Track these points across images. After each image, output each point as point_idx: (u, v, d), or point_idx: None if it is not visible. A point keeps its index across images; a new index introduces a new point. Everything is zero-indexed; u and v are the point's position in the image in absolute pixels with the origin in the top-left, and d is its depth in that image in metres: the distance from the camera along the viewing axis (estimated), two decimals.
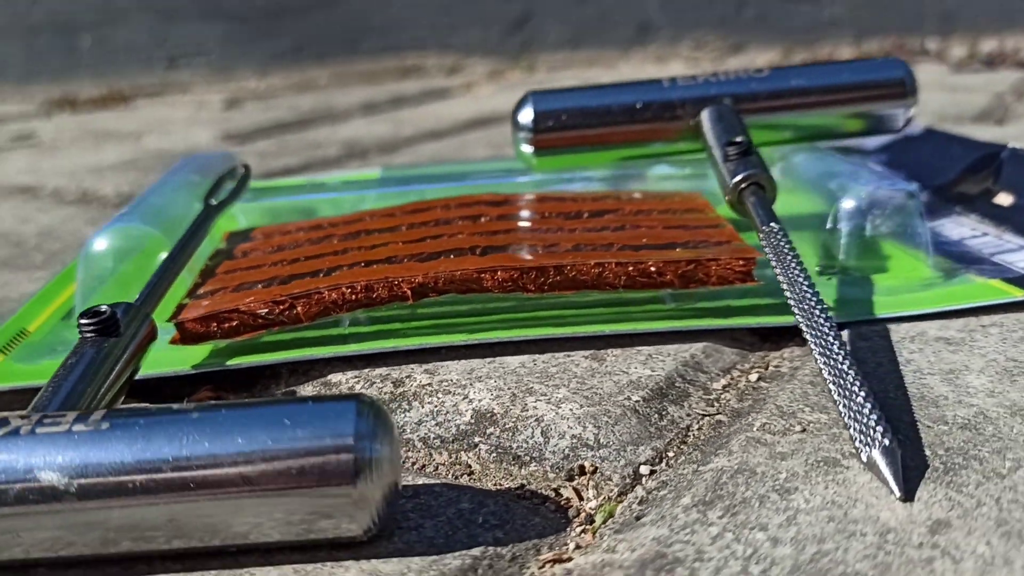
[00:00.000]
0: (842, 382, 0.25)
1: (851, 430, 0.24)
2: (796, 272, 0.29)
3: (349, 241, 0.36)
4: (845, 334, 0.32)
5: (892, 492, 0.22)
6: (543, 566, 0.22)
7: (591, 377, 0.30)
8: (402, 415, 0.29)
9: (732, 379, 0.30)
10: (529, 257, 0.32)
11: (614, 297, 0.33)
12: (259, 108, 1.04)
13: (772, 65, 0.41)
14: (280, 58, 1.25)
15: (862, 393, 0.24)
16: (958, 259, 0.37)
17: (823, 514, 0.22)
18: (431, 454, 0.28)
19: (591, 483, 0.25)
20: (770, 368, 0.31)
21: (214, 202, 0.39)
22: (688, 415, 0.28)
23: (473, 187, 0.44)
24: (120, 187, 0.66)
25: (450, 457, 0.27)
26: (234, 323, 0.31)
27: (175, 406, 0.23)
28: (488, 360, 0.31)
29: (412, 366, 0.31)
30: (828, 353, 0.26)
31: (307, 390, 0.31)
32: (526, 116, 0.41)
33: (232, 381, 0.33)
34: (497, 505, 0.24)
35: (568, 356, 0.31)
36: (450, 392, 0.30)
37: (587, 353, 0.32)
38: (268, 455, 0.21)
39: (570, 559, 0.22)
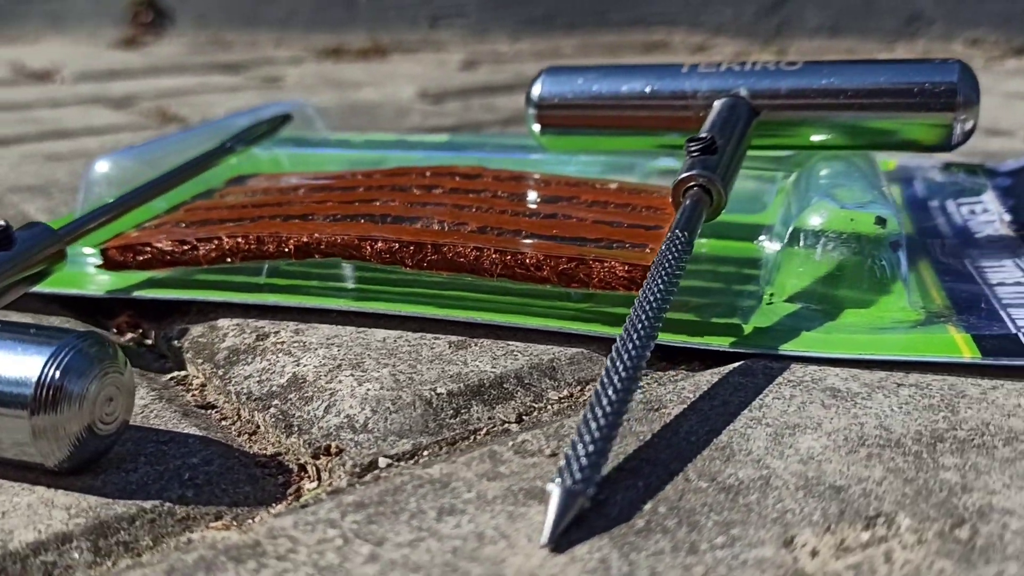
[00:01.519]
0: (593, 407, 0.22)
1: (562, 459, 0.21)
2: (657, 285, 0.26)
3: (305, 195, 0.37)
4: (732, 367, 0.28)
5: (543, 537, 0.20)
6: (206, 532, 0.22)
7: (428, 362, 0.28)
8: (241, 367, 0.30)
9: (579, 392, 0.28)
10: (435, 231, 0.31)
11: (527, 288, 0.31)
12: (488, 71, 1.07)
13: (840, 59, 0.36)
14: (532, 25, 1.27)
15: (596, 424, 0.22)
16: (959, 304, 0.31)
17: (452, 544, 0.20)
18: (239, 410, 0.28)
19: (330, 465, 0.24)
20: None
21: (228, 145, 0.41)
22: (489, 419, 0.26)
23: (488, 159, 0.42)
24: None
25: (248, 415, 0.28)
26: (147, 256, 0.33)
27: None
28: (359, 330, 0.31)
29: (291, 323, 0.32)
30: (609, 375, 0.23)
31: (197, 329, 0.33)
32: (535, 92, 0.39)
33: (152, 310, 0.35)
34: (224, 467, 0.24)
35: (436, 338, 0.30)
36: (290, 353, 0.30)
37: (457, 339, 0.30)
38: None
39: (228, 529, 0.22)
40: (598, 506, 0.21)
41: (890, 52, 1.10)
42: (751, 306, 0.31)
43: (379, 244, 0.31)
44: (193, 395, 0.29)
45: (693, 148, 0.32)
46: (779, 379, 0.27)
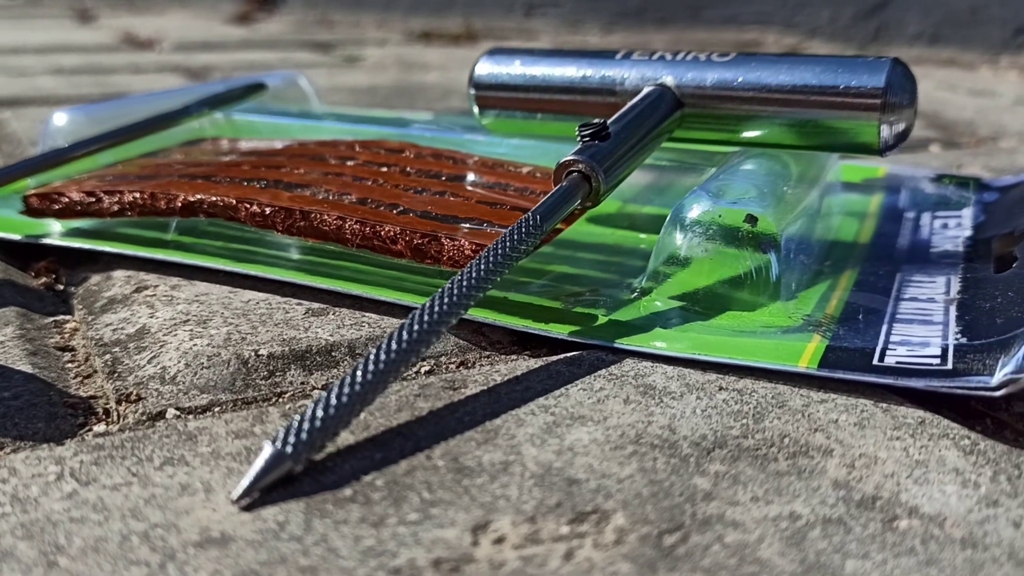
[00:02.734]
0: (344, 377, 0.22)
1: (289, 420, 0.21)
2: (478, 265, 0.26)
3: (233, 158, 0.37)
4: (561, 356, 0.27)
5: (234, 492, 0.20)
6: None
7: (273, 325, 0.29)
8: (108, 316, 0.31)
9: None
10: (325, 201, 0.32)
11: (407, 264, 0.31)
12: None
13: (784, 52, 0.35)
14: (625, 18, 1.25)
15: (337, 393, 0.21)
16: (846, 315, 0.29)
17: (153, 491, 0.20)
18: (88, 355, 0.29)
19: (126, 411, 0.25)
20: (452, 368, 0.28)
21: (190, 108, 0.42)
22: (302, 383, 0.26)
23: (440, 138, 0.42)
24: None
25: (91, 359, 0.29)
26: (62, 206, 0.35)
27: None
28: (232, 290, 0.32)
29: (175, 279, 0.33)
30: (377, 349, 0.23)
31: (95, 278, 0.34)
32: (475, 73, 0.39)
33: (72, 257, 0.36)
34: (29, 404, 0.25)
35: (299, 304, 0.31)
36: (152, 307, 0.30)
37: (319, 306, 0.30)
38: None
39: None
40: (319, 472, 0.21)
41: (993, 65, 1.04)
42: (627, 299, 0.30)
43: (253, 207, 0.31)
44: (60, 338, 0.31)
45: (584, 133, 0.31)
46: (601, 372, 0.26)
